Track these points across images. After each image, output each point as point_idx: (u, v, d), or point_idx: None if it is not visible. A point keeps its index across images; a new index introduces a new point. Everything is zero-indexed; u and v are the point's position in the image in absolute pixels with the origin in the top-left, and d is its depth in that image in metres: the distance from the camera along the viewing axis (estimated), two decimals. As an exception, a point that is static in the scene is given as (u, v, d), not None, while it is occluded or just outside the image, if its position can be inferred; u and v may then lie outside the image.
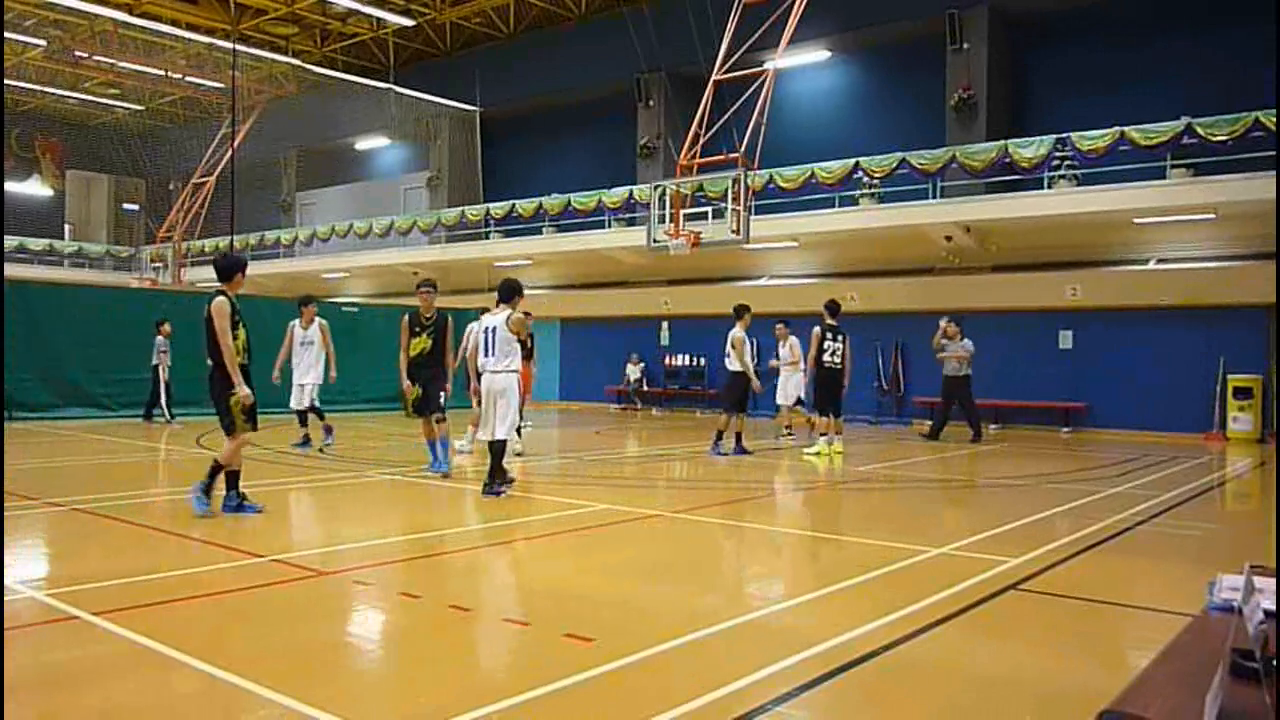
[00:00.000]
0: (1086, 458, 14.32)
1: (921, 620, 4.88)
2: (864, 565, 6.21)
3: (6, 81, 33.31)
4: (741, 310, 13.27)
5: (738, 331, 13.12)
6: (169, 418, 17.31)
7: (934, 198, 19.78)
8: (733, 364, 13.13)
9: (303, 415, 13.42)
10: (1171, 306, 17.87)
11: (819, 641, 4.45)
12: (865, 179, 20.18)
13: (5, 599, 5.29)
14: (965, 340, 16.39)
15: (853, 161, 19.98)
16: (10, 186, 38.07)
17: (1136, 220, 17.90)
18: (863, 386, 20.04)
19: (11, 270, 32.36)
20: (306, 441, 13.20)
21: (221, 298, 7.58)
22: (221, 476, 7.71)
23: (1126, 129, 16.99)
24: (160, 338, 17.26)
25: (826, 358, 13.34)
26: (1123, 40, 20.19)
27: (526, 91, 28.68)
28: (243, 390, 7.55)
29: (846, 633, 4.60)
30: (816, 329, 13.45)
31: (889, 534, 7.45)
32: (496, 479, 8.75)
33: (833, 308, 13.68)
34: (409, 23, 28.03)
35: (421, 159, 32.71)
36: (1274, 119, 15.27)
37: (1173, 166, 17.17)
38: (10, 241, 34.91)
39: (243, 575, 5.81)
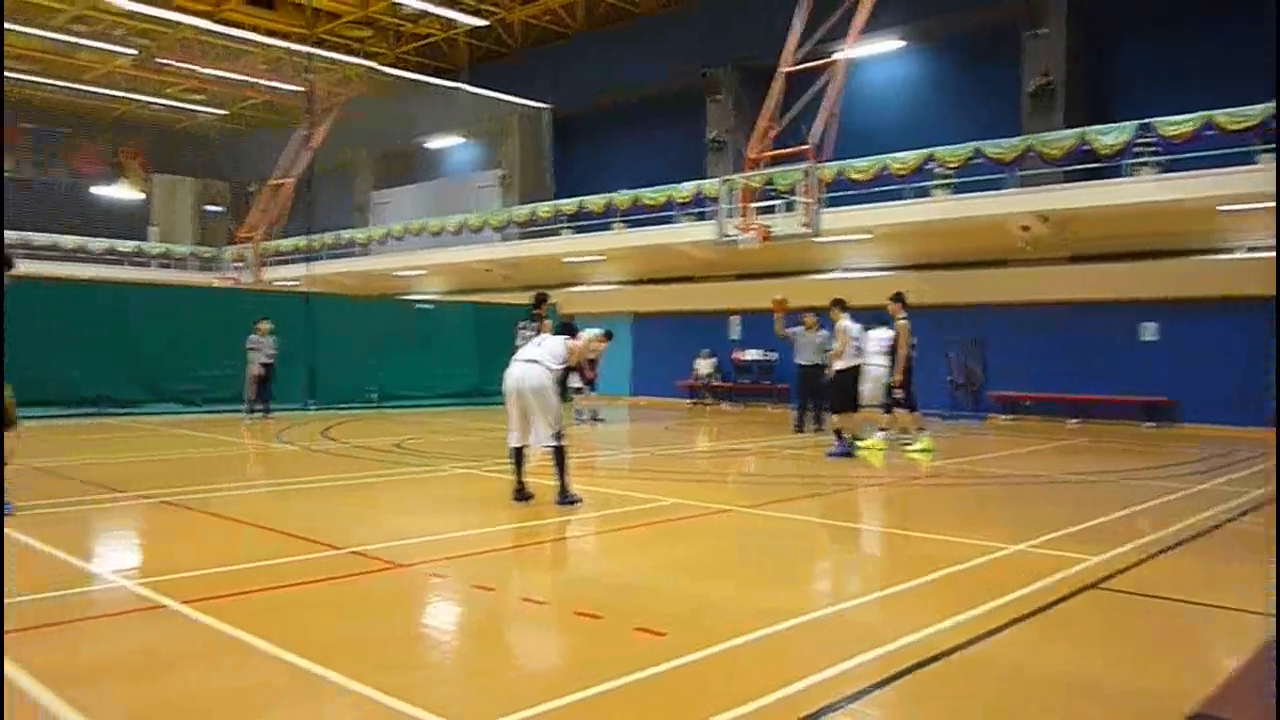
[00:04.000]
0: (1170, 453, 13.89)
1: (997, 619, 4.80)
2: (937, 562, 6.12)
3: (97, 89, 34.66)
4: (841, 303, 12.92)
5: (846, 323, 12.78)
6: (249, 412, 17.64)
7: (1010, 188, 19.37)
8: (842, 360, 12.73)
9: None
10: (1261, 297, 17.22)
11: (891, 639, 4.41)
12: (939, 169, 19.84)
13: (97, 588, 5.51)
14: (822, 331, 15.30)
15: (926, 152, 19.67)
16: (99, 190, 39.56)
17: (1221, 208, 17.29)
18: (936, 380, 19.69)
19: (102, 271, 33.89)
20: None
21: None
22: None
23: (1212, 113, 16.43)
24: (254, 335, 17.64)
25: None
26: (1206, 24, 19.49)
27: (596, 88, 28.79)
28: None
29: (919, 631, 4.55)
30: (904, 322, 12.78)
31: (963, 530, 7.32)
32: (567, 491, 8.12)
33: (903, 299, 13.07)
34: (480, 22, 28.32)
35: (493, 157, 33.06)
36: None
37: (1261, 152, 16.56)
38: (100, 244, 36.30)
39: (321, 567, 5.95)
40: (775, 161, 18.73)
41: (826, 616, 4.97)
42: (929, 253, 21.27)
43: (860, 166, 20.43)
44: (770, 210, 19.80)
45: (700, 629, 4.67)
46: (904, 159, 19.98)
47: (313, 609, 5.08)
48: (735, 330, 24.99)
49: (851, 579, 6.22)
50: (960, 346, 20.76)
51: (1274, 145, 16.43)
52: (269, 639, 4.30)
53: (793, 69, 18.50)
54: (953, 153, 19.39)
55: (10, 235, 33.84)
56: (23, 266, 33.24)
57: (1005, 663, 4.24)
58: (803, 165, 17.53)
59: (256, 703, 3.74)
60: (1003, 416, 20.13)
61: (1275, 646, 4.12)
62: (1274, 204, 16.87)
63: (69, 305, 17.85)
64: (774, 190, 19.70)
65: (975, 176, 19.64)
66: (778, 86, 18.59)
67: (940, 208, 19.98)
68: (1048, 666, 4.21)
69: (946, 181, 20.13)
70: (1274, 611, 4.80)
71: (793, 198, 19.00)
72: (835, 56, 18.03)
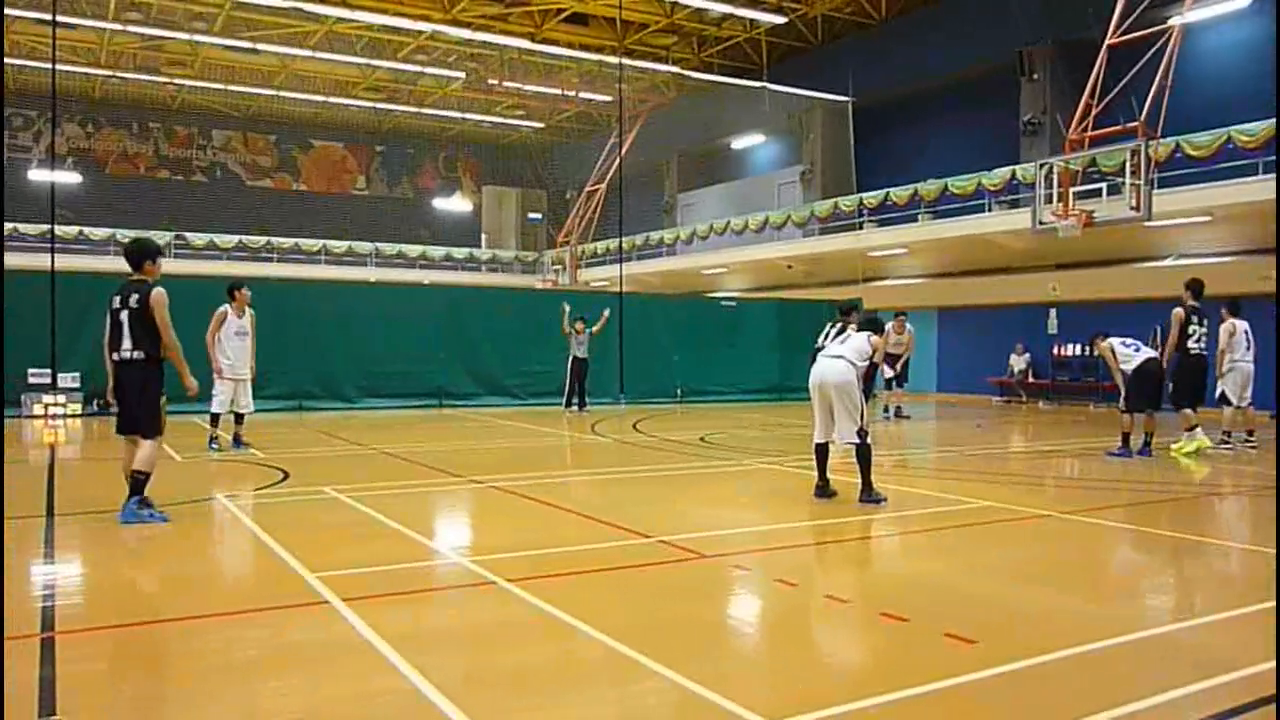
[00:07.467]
0: None
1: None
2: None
3: (435, 111, 38.31)
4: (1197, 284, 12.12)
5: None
6: (567, 405, 18.80)
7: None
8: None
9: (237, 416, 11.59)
10: None
11: (1237, 667, 3.98)
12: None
13: (437, 563, 6.13)
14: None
15: (1281, 120, 17.45)
16: (438, 203, 43.80)
17: None
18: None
19: (440, 276, 37.55)
20: (221, 441, 11.51)
21: (161, 288, 6.92)
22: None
23: None
24: (572, 333, 18.74)
25: (1191, 343, 11.82)
26: None
27: (899, 77, 27.95)
28: (192, 385, 7.05)
29: (1266, 661, 4.08)
30: (1179, 310, 11.83)
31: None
32: (870, 489, 7.97)
33: (1196, 288, 12.01)
34: (780, 20, 28.38)
35: (795, 154, 33.06)
36: None
37: None
38: (438, 251, 40.13)
39: (633, 553, 6.27)
40: (1099, 141, 17.39)
41: (1158, 635, 4.59)
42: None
43: (1199, 142, 18.46)
44: (1094, 195, 18.36)
45: (1014, 639, 4.47)
46: (1252, 130, 17.83)
47: (624, 593, 5.37)
48: (1053, 324, 23.43)
49: (1189, 596, 5.68)
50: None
51: None
52: (585, 619, 4.59)
53: (1118, 40, 17.10)
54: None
55: (365, 246, 38.24)
56: (374, 274, 37.38)
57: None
58: (1131, 143, 16.17)
59: (575, 677, 4.02)
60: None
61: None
62: None
63: (413, 306, 20.15)
64: (1097, 172, 18.26)
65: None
66: (1101, 61, 17.24)
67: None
68: None
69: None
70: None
71: (1119, 179, 17.54)
72: (1169, 23, 16.47)
